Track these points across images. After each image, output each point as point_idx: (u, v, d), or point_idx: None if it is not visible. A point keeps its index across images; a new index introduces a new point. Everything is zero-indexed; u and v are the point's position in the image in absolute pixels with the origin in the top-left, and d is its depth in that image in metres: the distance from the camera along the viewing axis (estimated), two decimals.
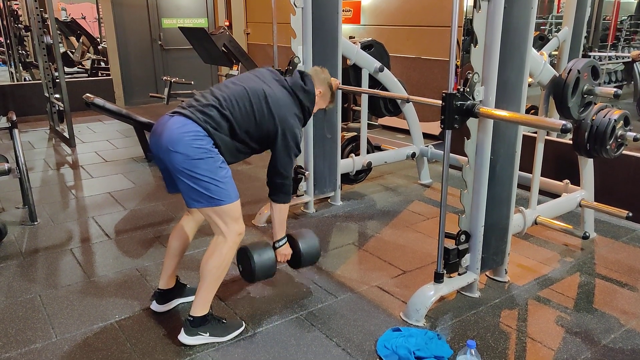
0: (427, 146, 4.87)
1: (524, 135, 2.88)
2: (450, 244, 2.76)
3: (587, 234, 3.29)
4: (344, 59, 4.23)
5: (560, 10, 6.87)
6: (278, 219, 2.75)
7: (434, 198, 4.58)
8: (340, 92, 4.03)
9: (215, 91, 2.46)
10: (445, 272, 2.76)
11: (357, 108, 6.27)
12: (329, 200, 4.41)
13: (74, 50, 10.95)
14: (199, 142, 2.28)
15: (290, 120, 2.52)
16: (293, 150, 2.56)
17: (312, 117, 3.88)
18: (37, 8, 6.48)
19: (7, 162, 3.78)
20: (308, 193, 4.15)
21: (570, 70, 3.06)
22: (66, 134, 6.35)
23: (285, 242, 2.83)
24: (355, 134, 4.81)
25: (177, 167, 2.29)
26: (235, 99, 2.42)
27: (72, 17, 12.53)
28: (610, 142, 3.18)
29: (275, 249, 2.80)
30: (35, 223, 3.98)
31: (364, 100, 4.57)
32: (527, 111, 3.22)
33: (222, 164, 2.36)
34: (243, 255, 2.79)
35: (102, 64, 10.12)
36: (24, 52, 9.57)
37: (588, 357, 2.42)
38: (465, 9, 5.93)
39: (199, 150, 2.28)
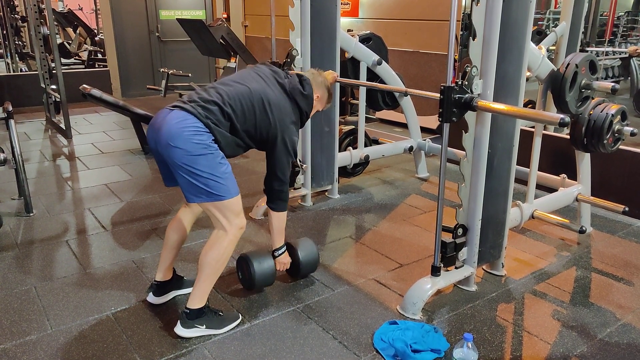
0: (425, 140, 4.87)
1: (521, 130, 2.87)
2: (447, 237, 2.76)
3: (583, 228, 3.30)
4: (342, 51, 4.22)
5: (557, 5, 6.87)
6: (277, 227, 2.78)
7: (431, 192, 4.58)
8: (338, 85, 4.02)
9: (218, 87, 2.44)
10: (442, 265, 2.76)
11: (355, 101, 6.27)
12: (326, 193, 4.41)
13: (70, 42, 10.91)
14: (198, 137, 2.26)
15: (290, 127, 2.55)
16: (290, 156, 2.58)
17: None
18: None
19: (3, 153, 3.76)
20: (305, 186, 4.14)
21: (568, 64, 3.06)
22: (62, 125, 6.32)
23: (285, 251, 2.87)
24: (353, 127, 4.81)
25: (176, 162, 2.27)
26: (239, 98, 2.41)
27: (69, 8, 12.45)
28: (608, 136, 3.18)
29: (274, 257, 2.84)
30: (31, 214, 3.97)
31: (362, 93, 4.56)
32: (525, 106, 3.22)
33: (222, 160, 2.35)
34: (243, 262, 2.84)
35: (99, 56, 10.09)
36: (20, 42, 9.52)
37: (584, 351, 2.43)
38: (463, 3, 5.92)
39: (199, 146, 2.26)
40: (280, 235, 2.81)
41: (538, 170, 3.38)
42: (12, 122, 3.97)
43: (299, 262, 2.93)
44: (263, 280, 2.82)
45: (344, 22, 6.73)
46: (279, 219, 2.75)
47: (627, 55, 6.55)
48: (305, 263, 2.96)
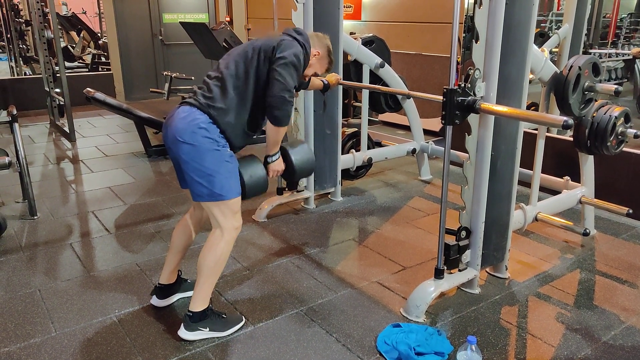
0: (428, 142, 4.87)
1: (524, 132, 2.87)
2: (450, 240, 2.76)
3: (587, 230, 3.29)
4: (345, 54, 4.23)
5: (560, 7, 6.86)
6: (274, 139, 2.56)
7: (434, 194, 4.58)
8: (340, 87, 4.02)
9: (210, 73, 2.47)
10: (445, 268, 2.76)
11: (357, 104, 6.28)
12: (329, 196, 4.41)
13: (74, 45, 10.94)
14: (205, 132, 2.29)
15: (286, 39, 2.45)
16: (292, 60, 2.39)
17: (312, 113, 3.92)
18: (38, 2, 6.46)
19: (7, 156, 3.77)
20: (308, 189, 4.14)
21: (571, 66, 3.05)
22: (66, 129, 6.34)
23: (278, 157, 2.65)
24: (356, 129, 4.81)
25: (184, 158, 2.31)
26: (229, 65, 2.41)
27: (72, 12, 12.52)
28: (611, 139, 3.18)
29: (267, 163, 2.63)
30: (35, 217, 3.98)
31: (365, 96, 4.56)
32: (528, 108, 3.23)
33: (229, 159, 2.37)
34: None
35: (103, 59, 10.11)
36: (24, 46, 9.56)
37: (588, 353, 2.43)
38: (466, 6, 5.92)
39: (206, 141, 2.29)
40: (276, 145, 2.60)
41: (541, 172, 3.38)
42: (16, 125, 3.99)
43: (293, 166, 2.71)
44: (255, 191, 2.57)
45: (346, 24, 6.73)
46: (278, 132, 2.52)
47: (630, 56, 6.53)
48: (299, 168, 2.74)
